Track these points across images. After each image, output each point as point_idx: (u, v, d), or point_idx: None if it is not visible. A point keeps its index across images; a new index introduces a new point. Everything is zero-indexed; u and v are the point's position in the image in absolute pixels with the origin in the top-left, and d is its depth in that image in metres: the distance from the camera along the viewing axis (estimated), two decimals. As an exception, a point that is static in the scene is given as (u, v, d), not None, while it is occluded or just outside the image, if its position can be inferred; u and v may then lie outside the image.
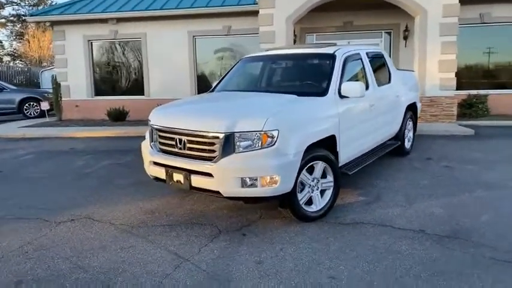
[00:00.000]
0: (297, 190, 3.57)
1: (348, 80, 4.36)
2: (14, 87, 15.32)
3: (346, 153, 4.27)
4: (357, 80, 4.68)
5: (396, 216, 3.89)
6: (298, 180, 3.57)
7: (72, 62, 12.50)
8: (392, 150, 5.76)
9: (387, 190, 4.69)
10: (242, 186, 3.29)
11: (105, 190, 5.04)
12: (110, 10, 11.89)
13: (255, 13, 10.39)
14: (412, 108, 6.37)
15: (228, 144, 3.30)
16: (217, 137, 3.32)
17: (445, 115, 9.41)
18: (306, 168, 3.61)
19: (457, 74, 9.41)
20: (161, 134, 3.79)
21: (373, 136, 4.96)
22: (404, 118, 6.01)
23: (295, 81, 4.69)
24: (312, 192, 3.76)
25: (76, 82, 12.55)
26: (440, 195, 4.47)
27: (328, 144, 3.95)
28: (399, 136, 5.99)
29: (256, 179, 3.28)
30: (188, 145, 3.52)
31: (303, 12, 9.49)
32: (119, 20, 11.94)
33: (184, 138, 3.53)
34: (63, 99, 12.35)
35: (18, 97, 14.21)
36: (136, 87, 12.55)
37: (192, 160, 3.48)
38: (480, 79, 11.01)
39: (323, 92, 4.06)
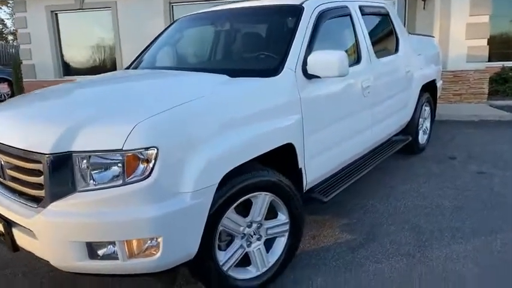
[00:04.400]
0: (214, 248, 1.98)
1: (323, 49, 2.64)
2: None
3: (317, 168, 2.63)
4: (342, 50, 2.96)
5: (400, 282, 2.27)
6: (219, 230, 1.98)
7: (36, 37, 10.91)
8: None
9: (387, 219, 3.05)
10: (90, 257, 1.72)
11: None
12: (73, -26, 10.17)
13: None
14: (430, 88, 4.61)
15: (62, 174, 1.69)
16: (40, 161, 1.73)
17: (472, 93, 7.53)
18: (233, 206, 2.01)
19: (488, 42, 7.46)
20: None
21: (368, 135, 3.27)
22: (418, 103, 4.27)
23: (235, 52, 3.00)
24: (249, 246, 2.16)
25: (42, 60, 10.99)
26: (472, 231, 2.81)
27: (282, 158, 2.33)
28: (410, 128, 4.28)
29: (114, 245, 1.69)
30: (9, 172, 1.93)
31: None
32: (85, -15, 10.22)
33: (2, 158, 1.95)
34: (26, 80, 10.86)
35: (-15, 78, 12.81)
36: (110, 64, 10.96)
37: (16, 200, 1.90)
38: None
39: (274, 70, 2.37)
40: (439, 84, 4.96)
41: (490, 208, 3.16)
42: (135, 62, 3.33)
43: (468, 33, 7.27)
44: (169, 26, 3.51)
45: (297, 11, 2.67)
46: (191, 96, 1.93)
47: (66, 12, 10.88)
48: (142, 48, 4.06)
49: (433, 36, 5.20)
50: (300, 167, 2.43)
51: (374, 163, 3.40)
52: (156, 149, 1.66)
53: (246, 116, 2.03)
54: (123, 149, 1.64)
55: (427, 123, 4.75)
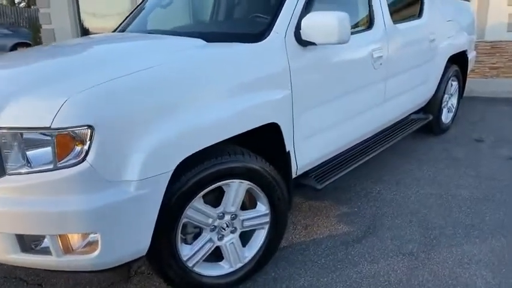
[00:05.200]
0: (175, 243, 1.72)
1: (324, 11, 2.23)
2: (7, 31, 13.96)
3: (311, 151, 2.28)
4: (350, 12, 2.53)
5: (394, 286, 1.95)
6: (181, 222, 1.71)
7: (55, 0, 10.74)
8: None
9: (393, 209, 2.70)
10: (23, 250, 1.49)
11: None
12: None
13: None
14: (459, 60, 4.06)
15: (-13, 155, 1.45)
16: (-39, 139, 1.48)
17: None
18: (200, 195, 1.73)
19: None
20: None
21: (379, 113, 2.86)
22: (443, 77, 3.77)
23: (220, 14, 2.60)
24: (221, 240, 1.89)
25: (61, 24, 10.88)
26: (492, 229, 2.42)
27: (266, 139, 2.01)
28: (433, 105, 3.80)
29: (45, 239, 1.46)
30: None
31: None
32: None
33: None
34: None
35: (10, 42, 12.92)
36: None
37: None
38: None
39: (259, 34, 2.00)
40: (471, 55, 4.38)
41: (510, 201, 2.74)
42: (123, 24, 3.00)
43: (512, -1, 6.45)
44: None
45: (294, -36, 2.23)
46: (148, 64, 1.61)
47: (83, -25, 10.58)
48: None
49: (469, 0, 4.56)
50: (287, 150, 2.09)
51: (385, 145, 3.02)
52: (91, 128, 1.37)
53: (215, 89, 1.69)
54: (52, 127, 1.36)
55: (454, 100, 4.23)
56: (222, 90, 1.71)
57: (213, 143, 1.66)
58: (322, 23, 1.97)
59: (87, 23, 11.18)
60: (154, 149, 1.47)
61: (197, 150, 1.60)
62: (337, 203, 2.80)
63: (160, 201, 1.53)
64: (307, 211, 2.70)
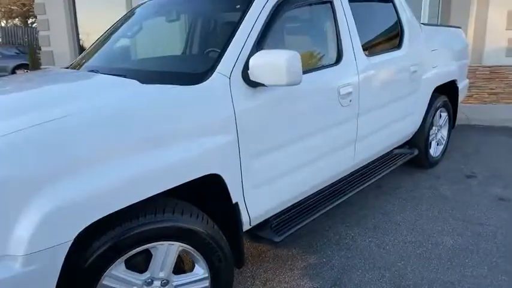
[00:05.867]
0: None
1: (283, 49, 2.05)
2: (16, 51, 14.12)
3: (267, 200, 2.05)
4: (313, 47, 2.34)
5: None
6: (97, 292, 1.49)
7: (54, 22, 10.84)
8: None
9: (365, 260, 2.43)
10: None
11: None
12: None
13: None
14: (448, 89, 3.84)
15: None
16: None
17: (512, 93, 6.53)
18: (120, 260, 1.51)
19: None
20: None
21: (350, 153, 2.63)
22: (429, 109, 3.53)
23: (168, 51, 2.42)
24: (149, 309, 1.66)
25: (60, 47, 10.95)
26: (472, 288, 2.15)
27: (210, 189, 1.80)
28: (419, 139, 3.55)
29: None
30: None
31: None
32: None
33: None
34: (45, 66, 10.86)
35: (11, 64, 13.03)
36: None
37: None
38: None
39: (200, 74, 1.80)
40: (462, 84, 4.15)
41: (502, 253, 2.46)
42: (77, 60, 2.82)
43: (509, 23, 6.24)
44: (133, 10, 2.95)
45: (247, -4, 2.06)
46: (58, 113, 1.42)
47: (82, -2, 10.68)
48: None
49: (459, 27, 4.35)
50: (234, 201, 1.87)
51: (362, 185, 2.78)
52: (-35, 196, 1.17)
53: (134, 140, 1.48)
54: None
55: (444, 132, 3.98)
56: (144, 141, 1.50)
57: (131, 204, 1.45)
58: (269, 63, 1.77)
59: (87, 45, 11.23)
60: (47, 215, 1.26)
61: (107, 213, 1.39)
62: (305, 251, 2.55)
63: (57, 276, 1.31)
64: (270, 262, 2.46)
